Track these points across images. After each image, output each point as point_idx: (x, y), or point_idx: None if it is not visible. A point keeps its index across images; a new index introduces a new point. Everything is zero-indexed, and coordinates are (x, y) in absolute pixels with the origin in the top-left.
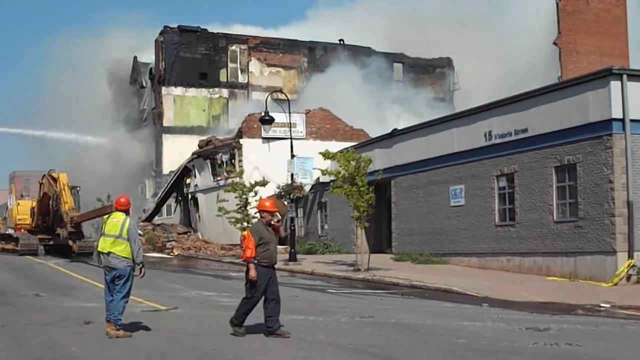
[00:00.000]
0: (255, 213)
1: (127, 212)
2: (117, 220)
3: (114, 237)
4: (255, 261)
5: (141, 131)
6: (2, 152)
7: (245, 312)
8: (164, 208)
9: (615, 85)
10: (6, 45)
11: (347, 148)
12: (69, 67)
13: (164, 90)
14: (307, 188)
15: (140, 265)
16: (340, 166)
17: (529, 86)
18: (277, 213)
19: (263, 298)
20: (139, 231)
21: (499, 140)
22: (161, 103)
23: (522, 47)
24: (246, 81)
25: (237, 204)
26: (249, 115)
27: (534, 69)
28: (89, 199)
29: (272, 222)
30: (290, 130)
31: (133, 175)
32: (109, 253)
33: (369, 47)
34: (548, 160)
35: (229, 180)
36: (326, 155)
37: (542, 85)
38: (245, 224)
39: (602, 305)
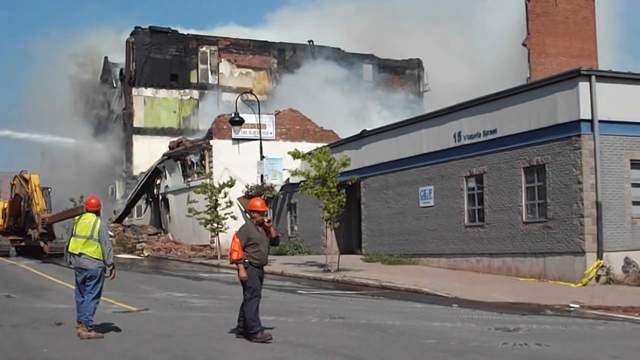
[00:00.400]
0: (225, 214)
1: (97, 213)
2: (88, 221)
3: (85, 238)
4: (246, 261)
5: (111, 132)
6: None
7: (255, 315)
8: (135, 209)
9: (583, 86)
10: None
11: (321, 147)
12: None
13: (134, 91)
14: (277, 189)
15: (111, 267)
16: (312, 166)
17: (499, 87)
18: (267, 212)
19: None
20: (110, 232)
21: (468, 141)
22: (131, 104)
23: (491, 48)
24: (216, 82)
25: (207, 205)
26: (219, 117)
27: (503, 70)
28: (60, 200)
29: (264, 222)
30: (260, 131)
31: (103, 176)
32: (80, 254)
33: (339, 48)
34: (517, 161)
35: (199, 182)
36: (296, 154)
37: (512, 87)
38: (215, 224)
39: (571, 305)
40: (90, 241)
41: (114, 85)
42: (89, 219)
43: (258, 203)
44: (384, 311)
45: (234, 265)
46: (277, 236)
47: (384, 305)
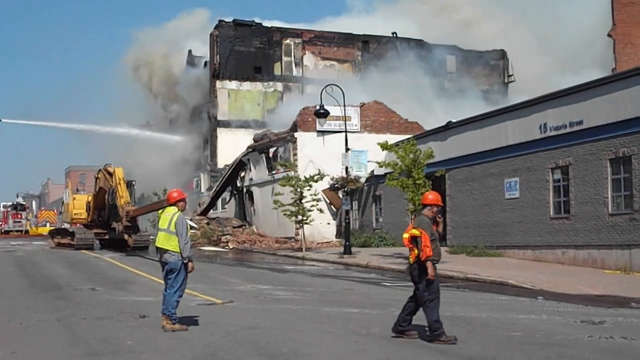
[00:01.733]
0: (312, 206)
1: (177, 205)
2: (167, 215)
3: (165, 231)
4: (435, 259)
5: (195, 125)
6: (57, 148)
7: (437, 317)
8: (219, 202)
9: None
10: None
11: (407, 139)
12: (121, 61)
13: (218, 84)
14: (361, 181)
15: (187, 260)
16: (398, 158)
17: (584, 78)
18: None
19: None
20: (194, 225)
21: (553, 133)
22: (216, 97)
23: (576, 39)
24: (300, 75)
25: (292, 197)
26: (303, 109)
27: (587, 61)
28: (144, 194)
29: (437, 217)
30: (345, 123)
31: (188, 169)
32: (161, 247)
33: (422, 40)
34: (603, 152)
35: (284, 174)
36: (384, 145)
37: (598, 77)
38: (300, 217)
39: None
40: (168, 234)
41: (198, 78)
42: (169, 212)
43: (431, 197)
44: (469, 303)
45: (319, 257)
46: (441, 233)
47: (469, 298)
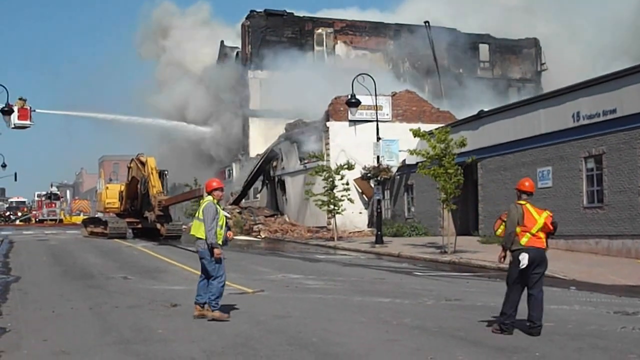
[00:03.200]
0: (342, 196)
1: (213, 194)
2: (202, 203)
3: (196, 219)
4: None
5: (228, 115)
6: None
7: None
8: (251, 191)
9: None
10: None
11: (441, 127)
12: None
13: (250, 74)
14: (393, 170)
15: (211, 246)
16: (430, 146)
17: (618, 66)
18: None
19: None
20: (227, 214)
21: (587, 121)
22: (247, 87)
23: (609, 26)
24: (333, 64)
25: (324, 187)
26: (335, 98)
27: (621, 50)
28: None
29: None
30: (377, 113)
31: (220, 159)
32: (192, 234)
33: (454, 29)
34: (637, 141)
35: (316, 164)
36: (416, 132)
37: (631, 65)
38: (332, 206)
39: None
40: (199, 222)
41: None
42: (203, 201)
43: (527, 183)
44: (501, 293)
45: (350, 247)
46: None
47: (501, 288)
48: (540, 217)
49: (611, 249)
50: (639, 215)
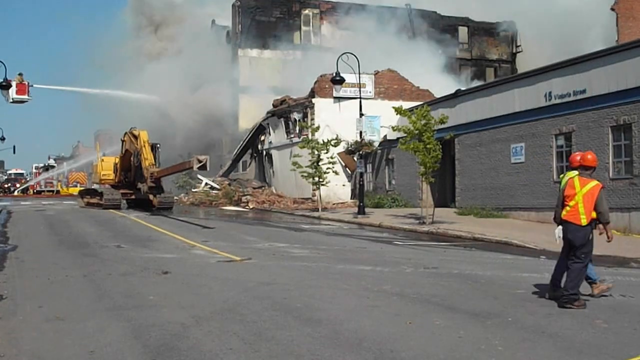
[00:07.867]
0: (327, 169)
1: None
2: None
3: None
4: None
5: (217, 90)
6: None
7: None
8: (240, 164)
9: None
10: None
11: (421, 105)
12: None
13: (240, 52)
14: (375, 145)
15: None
16: (410, 123)
17: (588, 50)
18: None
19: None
20: (216, 185)
21: (558, 101)
22: (238, 64)
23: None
24: (318, 43)
25: (310, 160)
26: (321, 76)
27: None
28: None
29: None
30: (360, 90)
31: (210, 133)
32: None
33: (435, 12)
34: (605, 120)
35: (303, 137)
36: (398, 110)
37: (602, 48)
38: (317, 179)
39: None
40: None
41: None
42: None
43: (589, 157)
44: (476, 262)
45: (334, 217)
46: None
47: (476, 256)
48: (579, 191)
49: None
50: (606, 190)
